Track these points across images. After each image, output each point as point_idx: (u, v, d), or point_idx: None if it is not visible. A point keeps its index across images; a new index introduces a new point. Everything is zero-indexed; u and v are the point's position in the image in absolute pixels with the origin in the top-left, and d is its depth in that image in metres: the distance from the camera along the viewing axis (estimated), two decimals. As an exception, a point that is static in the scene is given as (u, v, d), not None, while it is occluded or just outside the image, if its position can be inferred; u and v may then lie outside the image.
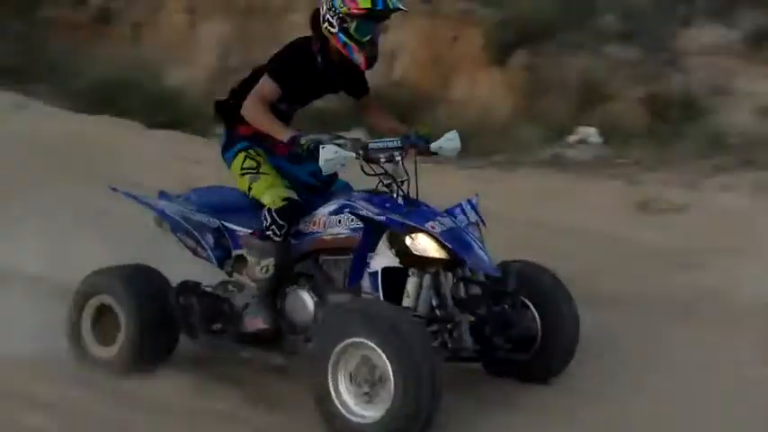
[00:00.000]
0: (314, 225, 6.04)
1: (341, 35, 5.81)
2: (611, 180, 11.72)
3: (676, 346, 6.77)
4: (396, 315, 5.32)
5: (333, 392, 5.26)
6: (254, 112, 5.93)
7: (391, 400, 5.02)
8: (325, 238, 5.94)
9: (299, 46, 6.09)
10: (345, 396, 5.26)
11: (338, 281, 6.03)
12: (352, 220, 5.83)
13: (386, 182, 5.92)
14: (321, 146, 5.62)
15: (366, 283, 5.86)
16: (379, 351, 5.05)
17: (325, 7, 5.90)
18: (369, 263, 5.80)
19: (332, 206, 6.04)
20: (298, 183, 6.26)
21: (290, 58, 6.03)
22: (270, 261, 5.96)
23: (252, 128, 6.02)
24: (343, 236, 5.87)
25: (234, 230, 6.37)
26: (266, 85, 5.89)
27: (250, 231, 6.22)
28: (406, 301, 5.60)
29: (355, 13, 5.71)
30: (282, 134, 5.84)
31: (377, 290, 5.72)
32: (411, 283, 5.64)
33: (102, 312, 6.44)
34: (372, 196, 5.93)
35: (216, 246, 6.48)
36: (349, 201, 5.96)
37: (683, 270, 8.49)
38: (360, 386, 5.22)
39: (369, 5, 5.66)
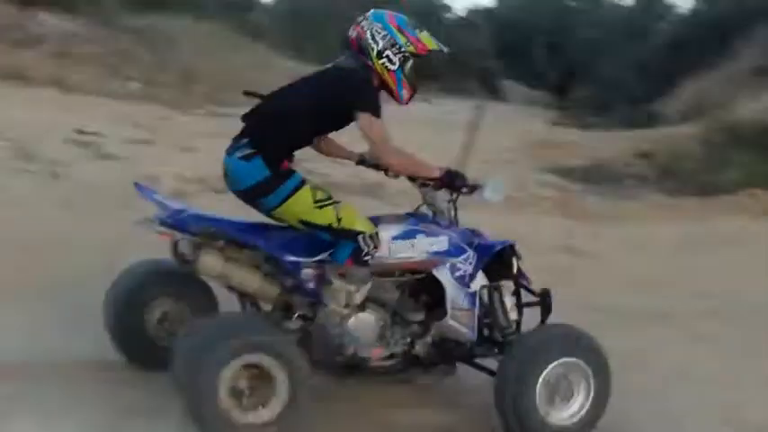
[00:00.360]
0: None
1: (399, 72, 6.04)
2: None
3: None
4: (585, 334, 6.55)
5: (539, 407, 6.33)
6: (398, 158, 6.09)
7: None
8: (392, 261, 6.22)
9: (371, 80, 6.08)
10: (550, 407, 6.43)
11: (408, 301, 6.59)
12: (432, 245, 6.36)
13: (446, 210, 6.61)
14: (487, 182, 6.42)
15: (463, 302, 6.45)
16: (586, 368, 6.47)
17: (381, 43, 6.07)
18: (469, 284, 6.44)
19: (392, 231, 6.30)
20: None
21: (377, 96, 6.05)
22: (366, 287, 6.08)
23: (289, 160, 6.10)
24: (419, 259, 6.29)
25: (298, 262, 6.08)
26: (382, 127, 5.88)
27: (338, 261, 6.09)
28: (513, 314, 6.69)
29: (421, 54, 6.01)
30: (435, 171, 6.26)
31: (474, 306, 6.44)
32: (510, 299, 6.71)
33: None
34: (433, 222, 6.55)
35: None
36: (418, 227, 6.44)
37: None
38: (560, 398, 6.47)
39: (435, 47, 6.02)
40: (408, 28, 6.05)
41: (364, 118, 5.82)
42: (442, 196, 6.67)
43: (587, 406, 6.22)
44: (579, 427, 6.45)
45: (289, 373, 5.80)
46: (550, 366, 6.18)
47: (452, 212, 6.67)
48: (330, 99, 5.81)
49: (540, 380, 6.37)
